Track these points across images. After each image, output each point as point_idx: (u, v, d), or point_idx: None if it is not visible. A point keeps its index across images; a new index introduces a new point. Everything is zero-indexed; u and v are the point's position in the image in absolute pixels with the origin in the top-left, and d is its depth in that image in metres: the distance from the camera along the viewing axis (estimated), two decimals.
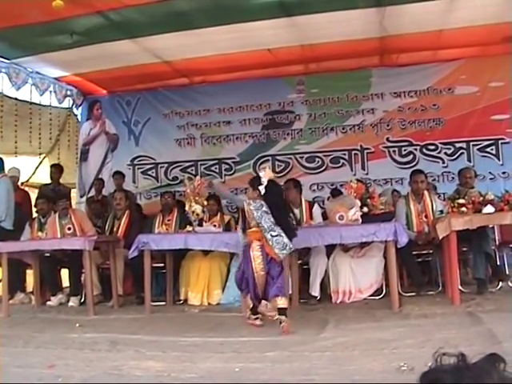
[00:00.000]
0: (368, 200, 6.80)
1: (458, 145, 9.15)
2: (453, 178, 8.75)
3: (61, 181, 9.91)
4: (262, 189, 5.33)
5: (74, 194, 10.23)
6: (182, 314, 6.75)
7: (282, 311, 5.21)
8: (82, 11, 6.74)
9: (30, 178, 9.84)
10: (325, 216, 7.34)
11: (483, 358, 1.34)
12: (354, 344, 4.44)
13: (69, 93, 10.09)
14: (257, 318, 5.56)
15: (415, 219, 7.19)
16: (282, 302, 5.24)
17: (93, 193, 10.13)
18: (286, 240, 5.25)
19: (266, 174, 5.40)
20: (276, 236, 5.23)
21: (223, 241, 6.59)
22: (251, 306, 5.58)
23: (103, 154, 10.52)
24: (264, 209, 5.28)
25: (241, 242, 5.65)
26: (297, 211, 7.33)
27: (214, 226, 7.55)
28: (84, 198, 10.27)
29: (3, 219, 8.12)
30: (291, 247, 5.34)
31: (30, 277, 8.20)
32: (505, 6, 6.84)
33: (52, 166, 9.61)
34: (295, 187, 7.46)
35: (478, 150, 9.08)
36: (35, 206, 8.39)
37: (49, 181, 9.53)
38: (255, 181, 5.49)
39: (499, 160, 9.03)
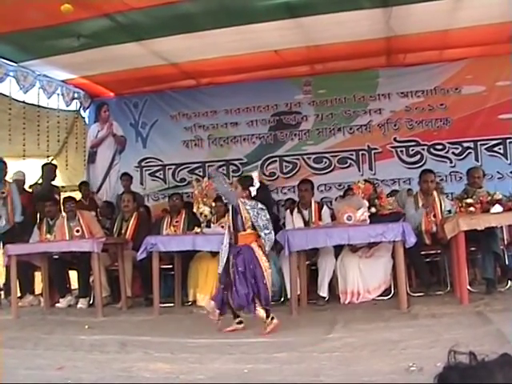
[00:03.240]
0: (376, 200, 6.79)
1: (465, 144, 9.14)
2: (460, 177, 8.76)
3: (69, 183, 9.98)
4: (253, 190, 5.26)
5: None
6: (191, 315, 6.76)
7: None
8: (89, 14, 6.77)
9: (38, 180, 9.86)
10: (333, 216, 7.35)
11: (496, 358, 1.34)
12: (362, 344, 4.44)
13: (76, 95, 10.13)
14: (273, 318, 5.27)
15: (424, 218, 7.17)
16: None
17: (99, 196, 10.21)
18: (273, 236, 5.34)
19: (258, 176, 5.33)
20: (269, 234, 5.27)
21: None
22: (264, 314, 5.23)
23: (111, 156, 10.55)
24: (260, 206, 5.26)
25: (224, 242, 5.43)
26: (306, 212, 7.34)
27: (222, 227, 7.54)
28: None
29: None
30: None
31: (39, 277, 8.25)
32: (510, 5, 6.81)
33: (45, 164, 9.63)
34: (312, 189, 7.51)
35: (485, 149, 9.06)
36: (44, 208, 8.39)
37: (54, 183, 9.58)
38: (246, 181, 5.42)
39: (507, 159, 9.00)
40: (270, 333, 5.12)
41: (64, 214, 8.09)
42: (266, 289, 5.23)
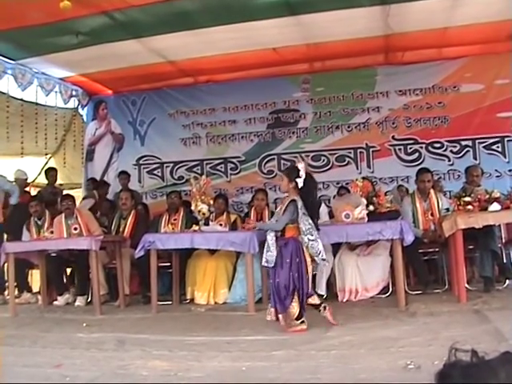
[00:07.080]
0: (374, 198, 6.79)
1: (463, 142, 9.15)
2: (459, 175, 8.77)
3: (67, 181, 9.98)
4: (300, 182, 5.13)
5: (79, 193, 10.23)
6: (189, 313, 6.76)
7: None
8: (87, 11, 6.76)
9: (36, 178, 9.86)
10: (331, 214, 7.34)
11: (497, 356, 1.33)
12: (360, 342, 4.44)
13: (74, 93, 10.12)
14: (303, 322, 5.12)
15: (421, 217, 7.18)
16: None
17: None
18: (320, 247, 5.10)
19: (304, 167, 5.23)
20: (312, 241, 5.07)
21: (229, 240, 6.58)
22: (297, 312, 5.08)
23: (109, 154, 10.55)
24: (303, 210, 5.07)
25: (271, 235, 5.19)
26: None
27: (220, 225, 7.53)
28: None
29: None
30: (324, 257, 5.15)
31: (36, 275, 8.24)
32: (509, 3, 6.81)
33: (49, 169, 9.71)
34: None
35: (483, 147, 9.07)
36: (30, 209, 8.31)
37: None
38: (293, 171, 5.22)
39: (505, 157, 9.01)
40: (292, 333, 5.00)
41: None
42: (307, 284, 5.11)
